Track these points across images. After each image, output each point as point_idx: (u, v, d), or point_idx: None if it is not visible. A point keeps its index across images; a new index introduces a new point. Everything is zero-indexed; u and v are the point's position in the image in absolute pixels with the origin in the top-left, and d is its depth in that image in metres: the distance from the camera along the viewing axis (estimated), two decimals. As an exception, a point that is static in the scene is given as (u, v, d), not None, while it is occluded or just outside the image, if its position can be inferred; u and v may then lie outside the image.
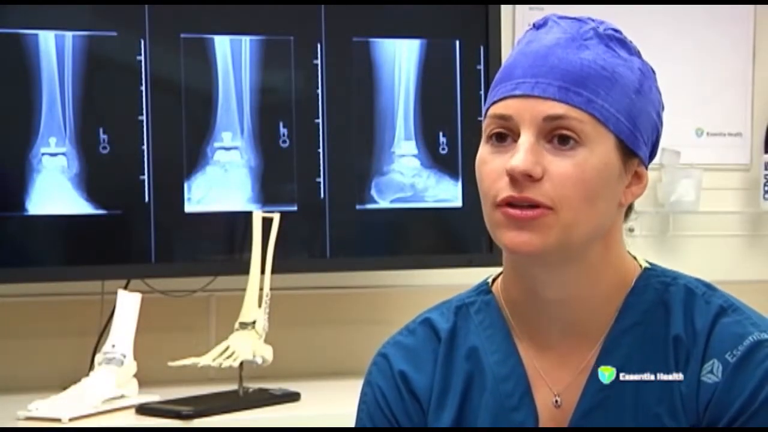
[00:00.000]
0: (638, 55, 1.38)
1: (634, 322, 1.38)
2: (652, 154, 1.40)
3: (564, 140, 1.31)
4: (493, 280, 1.47)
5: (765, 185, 3.11)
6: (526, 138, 1.31)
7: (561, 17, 1.38)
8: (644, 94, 1.36)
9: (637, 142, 1.35)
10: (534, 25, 1.39)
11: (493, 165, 1.33)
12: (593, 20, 1.38)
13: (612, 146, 1.33)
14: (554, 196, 1.30)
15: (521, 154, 1.30)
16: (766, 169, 3.11)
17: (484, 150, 1.35)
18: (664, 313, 1.38)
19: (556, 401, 1.39)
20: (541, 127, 1.31)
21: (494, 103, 1.35)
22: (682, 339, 1.36)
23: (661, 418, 1.34)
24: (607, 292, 1.39)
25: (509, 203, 1.31)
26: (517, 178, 1.30)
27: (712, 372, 1.34)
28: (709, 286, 1.41)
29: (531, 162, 1.30)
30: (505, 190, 1.31)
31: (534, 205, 1.30)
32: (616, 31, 1.38)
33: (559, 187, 1.30)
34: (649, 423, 1.35)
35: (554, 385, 1.39)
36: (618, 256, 1.40)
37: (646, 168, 1.38)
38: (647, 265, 1.43)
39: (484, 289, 1.47)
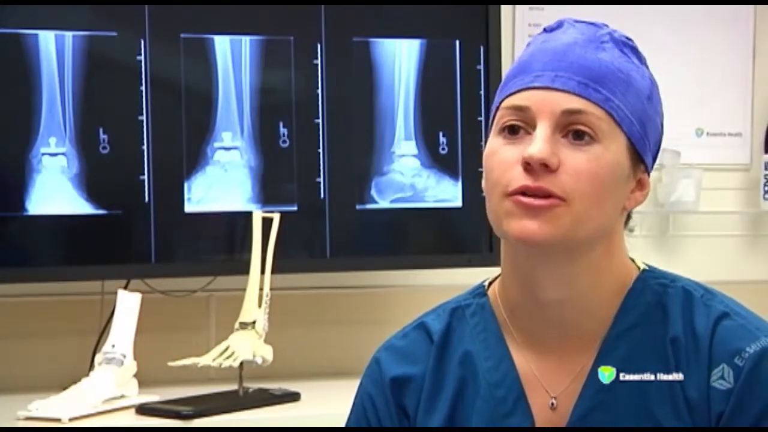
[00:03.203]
0: (646, 65, 1.40)
1: (632, 324, 1.38)
2: (652, 163, 1.41)
3: (579, 135, 1.32)
4: (490, 283, 1.47)
5: (765, 185, 3.11)
6: (543, 129, 1.31)
7: (576, 21, 1.39)
8: (654, 102, 1.38)
9: (645, 148, 1.36)
10: (545, 29, 1.40)
11: (504, 155, 1.33)
12: (607, 26, 1.39)
13: (623, 147, 1.34)
14: (568, 188, 1.30)
15: (539, 143, 1.30)
16: (766, 169, 3.11)
17: (494, 141, 1.35)
18: (661, 315, 1.38)
19: (552, 404, 1.38)
20: (558, 120, 1.32)
21: (510, 95, 1.35)
22: (680, 340, 1.36)
23: (660, 420, 1.34)
24: (605, 295, 1.38)
25: (522, 193, 1.30)
26: (533, 167, 1.30)
27: (723, 378, 1.33)
28: (707, 289, 1.41)
29: (549, 152, 1.30)
30: (519, 180, 1.31)
31: (546, 196, 1.30)
32: (629, 39, 1.39)
33: (573, 180, 1.30)
34: (648, 425, 1.34)
35: (551, 388, 1.39)
36: (619, 261, 1.40)
37: (649, 176, 1.39)
38: (645, 267, 1.43)
39: (480, 291, 1.47)
